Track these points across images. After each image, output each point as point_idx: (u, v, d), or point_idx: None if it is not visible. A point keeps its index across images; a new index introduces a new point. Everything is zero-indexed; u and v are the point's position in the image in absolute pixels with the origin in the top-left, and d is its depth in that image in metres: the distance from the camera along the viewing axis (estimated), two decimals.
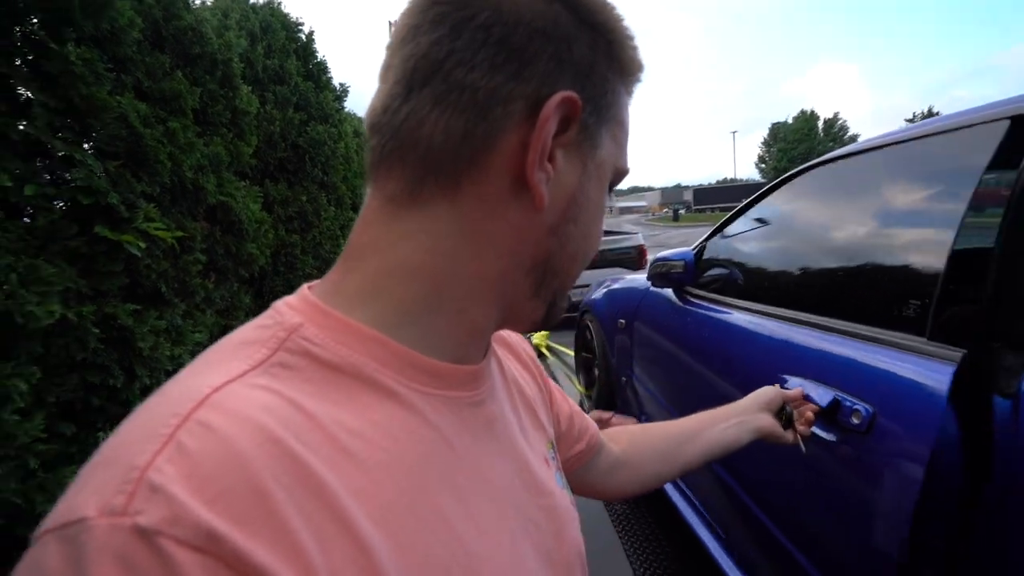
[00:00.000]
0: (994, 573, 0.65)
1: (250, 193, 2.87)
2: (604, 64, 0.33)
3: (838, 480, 0.86)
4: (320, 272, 3.44)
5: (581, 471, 0.57)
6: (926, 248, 0.89)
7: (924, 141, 1.01)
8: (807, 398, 0.79)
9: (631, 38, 0.34)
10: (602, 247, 4.80)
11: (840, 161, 1.26)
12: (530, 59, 0.30)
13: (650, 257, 1.98)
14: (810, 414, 0.75)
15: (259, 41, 3.75)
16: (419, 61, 0.30)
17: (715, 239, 1.73)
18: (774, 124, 55.01)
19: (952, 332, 0.77)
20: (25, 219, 1.60)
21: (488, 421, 0.36)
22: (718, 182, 79.64)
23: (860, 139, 1.28)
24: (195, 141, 2.23)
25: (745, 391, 0.76)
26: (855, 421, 0.80)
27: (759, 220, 1.57)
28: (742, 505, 1.17)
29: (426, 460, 0.29)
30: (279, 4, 4.11)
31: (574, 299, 4.28)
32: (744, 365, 1.24)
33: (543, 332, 3.95)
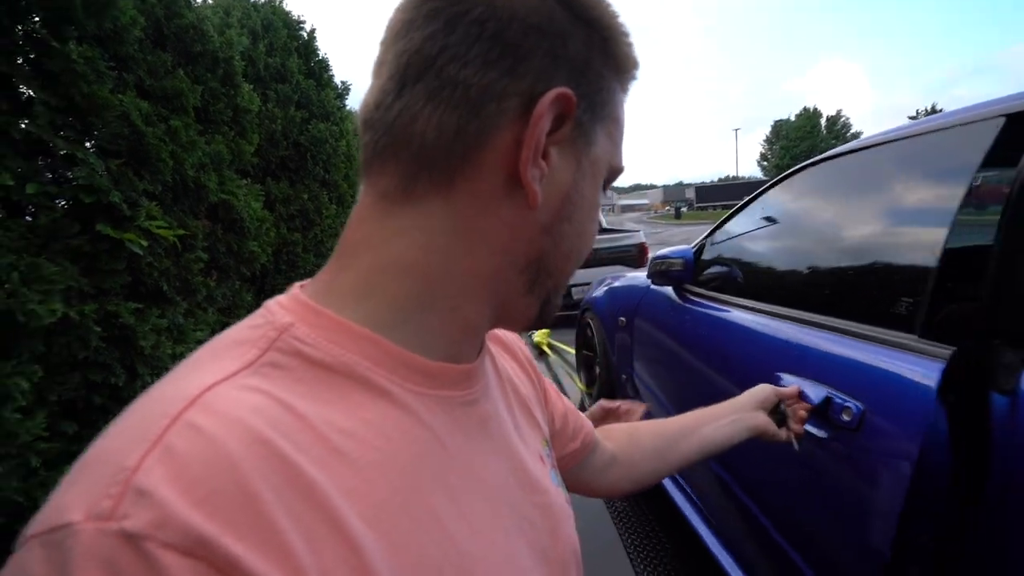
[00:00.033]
0: (993, 570, 0.65)
1: (252, 191, 2.87)
2: (599, 61, 0.33)
3: (830, 477, 0.87)
4: None
5: (576, 469, 0.57)
6: (918, 246, 0.90)
7: (917, 139, 1.02)
8: (803, 396, 0.80)
9: (626, 35, 0.34)
10: (604, 245, 4.83)
11: (835, 160, 1.27)
12: (524, 55, 0.29)
13: (651, 255, 1.98)
14: (803, 412, 0.75)
15: (261, 39, 3.75)
16: (412, 56, 0.30)
17: (714, 237, 1.73)
18: (776, 121, 54.85)
19: (943, 330, 0.77)
20: (27, 218, 1.60)
21: (482, 420, 0.35)
22: (720, 180, 79.49)
23: (862, 137, 1.29)
24: (197, 139, 2.23)
25: (743, 389, 0.77)
26: (846, 418, 0.80)
27: (756, 218, 1.57)
28: (738, 502, 1.17)
29: (419, 460, 0.29)
30: (280, 2, 4.11)
31: (575, 297, 4.29)
32: (742, 363, 1.24)
33: (544, 330, 3.95)
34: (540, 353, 3.86)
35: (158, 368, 1.92)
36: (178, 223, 2.11)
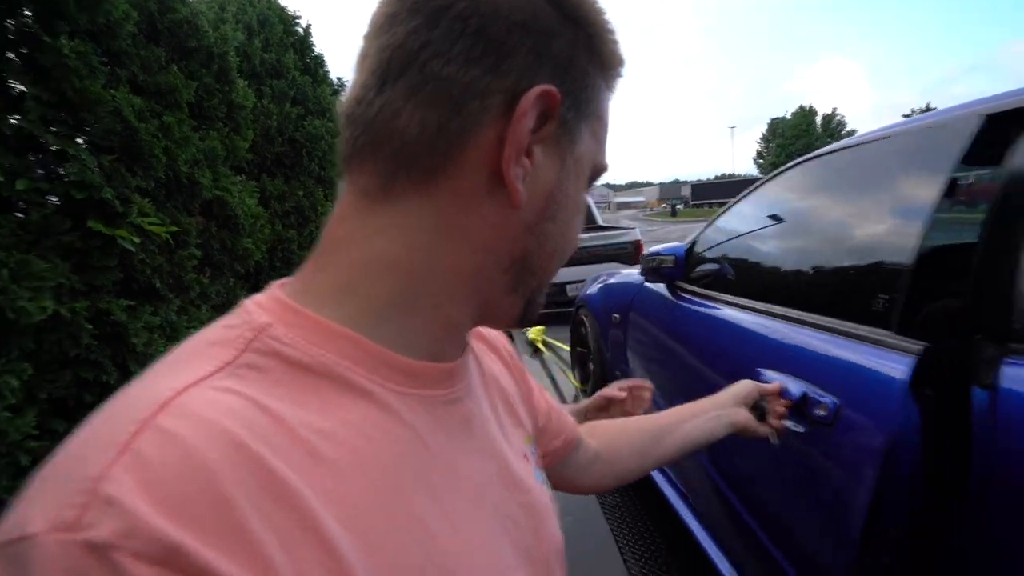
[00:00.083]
0: (975, 561, 0.66)
1: (246, 188, 2.86)
2: (584, 58, 0.32)
3: (806, 471, 0.88)
4: None
5: (559, 466, 0.57)
6: (895, 243, 0.91)
7: (897, 139, 1.03)
8: (784, 392, 0.80)
9: (612, 32, 0.34)
10: (599, 242, 4.82)
11: (818, 159, 1.29)
12: (508, 52, 0.29)
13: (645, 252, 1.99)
14: (781, 408, 0.76)
15: (256, 35, 3.74)
16: (395, 52, 0.29)
17: (706, 234, 1.74)
18: (773, 120, 54.97)
19: (926, 326, 0.78)
20: (17, 214, 1.60)
21: (465, 419, 0.35)
22: (716, 177, 79.66)
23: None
24: (190, 135, 2.22)
25: None
26: (821, 413, 0.81)
27: (745, 217, 1.59)
28: (723, 497, 1.19)
29: (400, 460, 0.29)
30: None
31: (570, 294, 4.29)
32: (729, 360, 1.26)
33: (539, 327, 3.96)
34: (535, 350, 3.87)
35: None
36: (171, 220, 2.11)
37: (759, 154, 56.50)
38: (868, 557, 0.73)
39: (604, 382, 2.38)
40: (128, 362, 1.83)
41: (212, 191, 2.43)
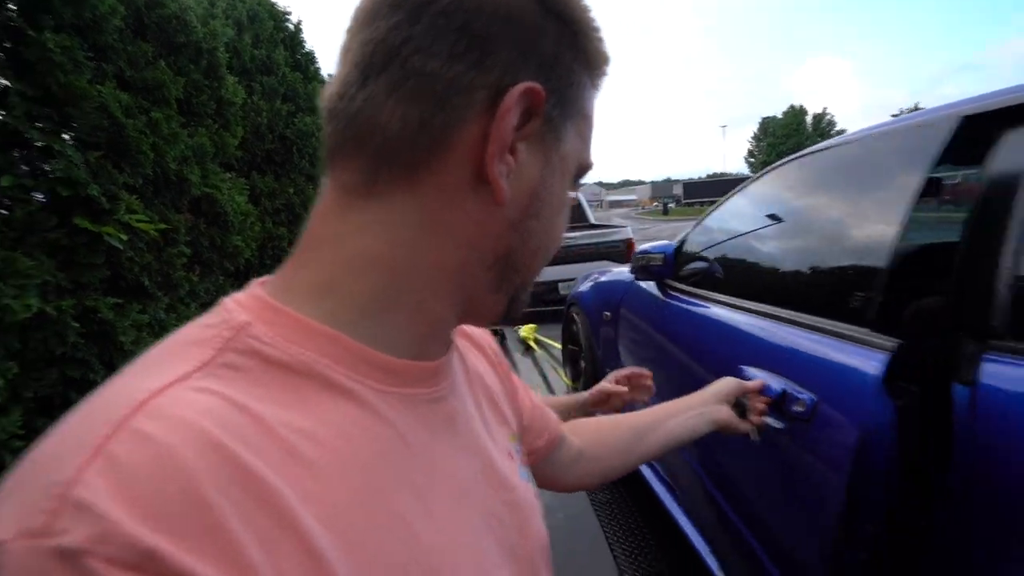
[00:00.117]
0: (958, 556, 0.67)
1: (236, 185, 2.84)
2: (569, 56, 0.32)
3: (786, 467, 0.89)
4: None
5: (542, 464, 0.57)
6: (872, 242, 0.92)
7: (876, 140, 1.05)
8: (766, 389, 0.81)
9: (597, 30, 0.33)
10: (591, 240, 4.81)
11: (802, 159, 1.31)
12: (492, 48, 0.29)
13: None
14: (761, 405, 0.77)
15: (246, 30, 3.70)
16: (377, 46, 0.29)
17: (695, 233, 1.75)
18: (764, 119, 55.36)
19: (894, 323, 0.79)
20: (2, 211, 1.58)
21: (449, 417, 0.35)
22: (708, 176, 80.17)
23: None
24: (179, 132, 2.20)
25: None
26: (799, 409, 0.82)
27: (732, 216, 1.61)
28: (709, 495, 1.20)
29: (381, 458, 0.29)
30: None
31: (562, 292, 4.28)
32: (715, 357, 1.27)
33: (531, 325, 3.97)
34: (526, 348, 3.87)
35: None
36: (160, 217, 2.09)
37: (750, 153, 56.90)
38: (846, 552, 0.74)
39: (595, 380, 2.38)
40: (115, 360, 1.81)
41: (201, 188, 2.41)
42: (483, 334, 0.50)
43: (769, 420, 0.84)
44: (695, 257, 1.68)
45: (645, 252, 1.78)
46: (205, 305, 2.68)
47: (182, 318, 2.28)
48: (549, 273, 4.91)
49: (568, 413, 0.92)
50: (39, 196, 1.65)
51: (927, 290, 0.80)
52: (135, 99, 2.01)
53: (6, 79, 1.56)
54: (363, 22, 0.30)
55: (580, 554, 1.70)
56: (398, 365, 0.31)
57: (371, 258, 0.30)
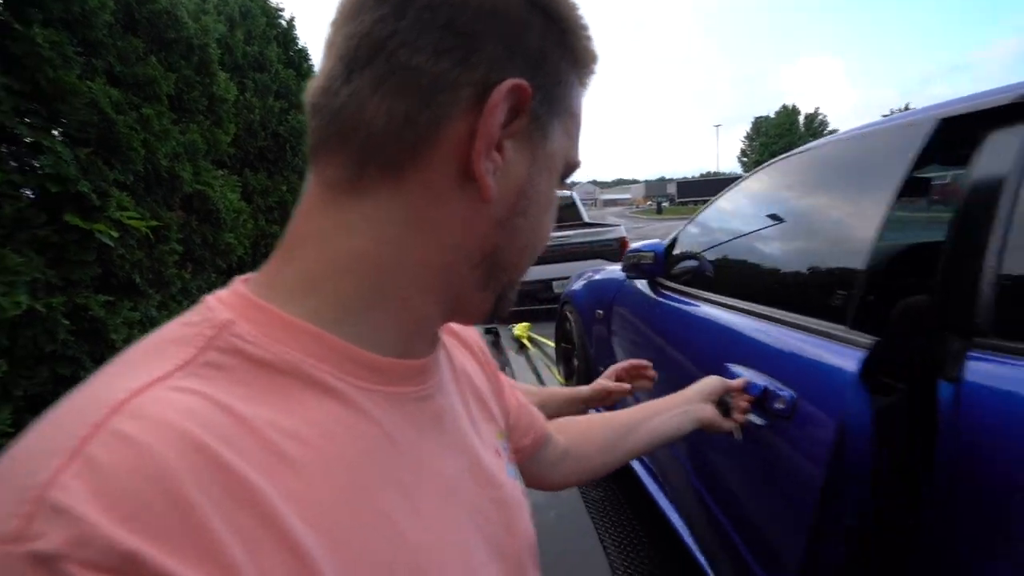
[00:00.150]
0: (944, 548, 0.68)
1: (228, 182, 2.82)
2: (557, 53, 0.32)
3: (770, 464, 0.90)
4: None
5: (528, 463, 0.57)
6: (852, 241, 0.94)
7: (856, 142, 1.07)
8: (749, 387, 0.82)
9: (585, 27, 0.33)
10: (585, 239, 4.83)
11: (788, 160, 1.33)
12: (478, 44, 0.28)
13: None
14: (744, 403, 0.78)
15: (238, 26, 3.67)
16: (362, 40, 0.28)
17: (686, 232, 1.77)
18: (757, 118, 55.69)
19: (872, 320, 0.80)
20: None
21: (436, 415, 0.35)
22: (701, 175, 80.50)
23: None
24: (170, 128, 2.18)
25: None
26: (780, 406, 0.83)
27: (722, 216, 1.63)
28: (697, 492, 1.21)
29: (367, 458, 0.28)
30: None
31: (556, 291, 4.29)
32: (703, 355, 1.28)
33: (525, 324, 3.97)
34: (520, 346, 3.88)
35: None
36: (151, 214, 2.07)
37: (743, 152, 57.18)
38: (827, 548, 0.75)
39: (589, 377, 2.40)
40: (107, 358, 1.79)
41: (193, 185, 2.39)
42: (470, 332, 0.50)
43: (752, 418, 0.85)
44: (685, 256, 1.70)
45: (636, 251, 1.79)
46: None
47: (174, 315, 2.25)
48: (543, 272, 4.92)
49: (567, 406, 0.92)
50: (28, 192, 1.63)
51: (904, 288, 0.82)
52: (125, 95, 1.99)
53: None
54: (348, 15, 0.30)
55: (572, 552, 1.70)
56: (384, 363, 0.31)
57: (356, 256, 0.30)
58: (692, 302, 1.44)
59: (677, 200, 51.93)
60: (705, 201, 1.84)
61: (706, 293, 1.40)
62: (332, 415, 0.28)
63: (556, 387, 0.99)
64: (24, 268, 1.45)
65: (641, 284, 1.83)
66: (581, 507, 1.96)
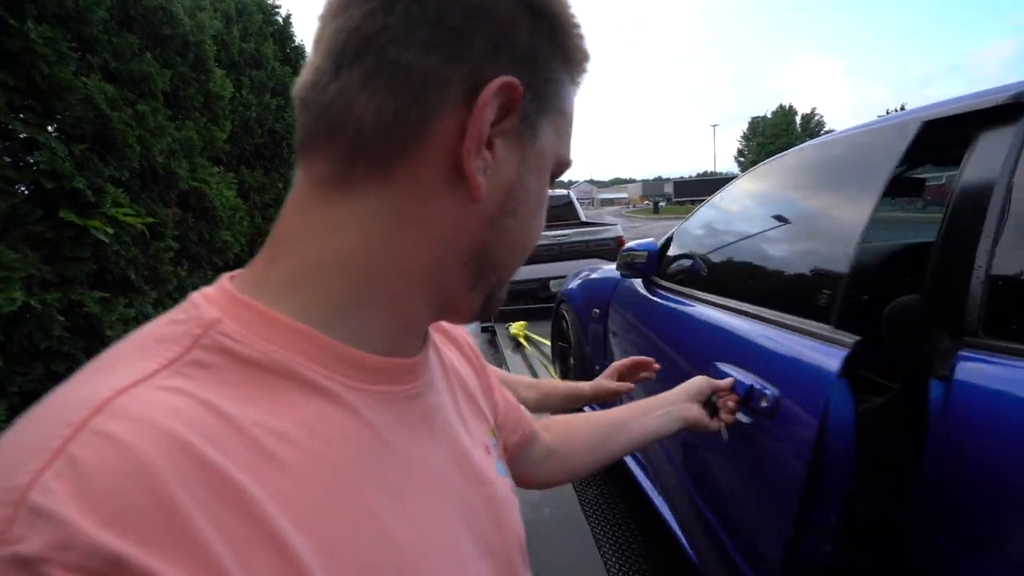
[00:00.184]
0: (933, 546, 0.69)
1: (224, 179, 2.82)
2: (547, 51, 0.31)
3: (755, 463, 0.91)
4: None
5: (514, 462, 0.56)
6: (837, 241, 0.95)
7: (842, 144, 1.09)
8: (736, 387, 0.83)
9: (576, 26, 0.33)
10: (582, 238, 4.80)
11: (777, 161, 1.36)
12: (467, 41, 0.28)
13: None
14: (731, 403, 0.78)
15: (234, 23, 3.66)
16: (350, 35, 0.28)
17: (680, 231, 1.78)
18: (753, 118, 55.87)
19: (855, 319, 0.81)
20: None
21: (426, 414, 0.35)
22: (698, 175, 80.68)
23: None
24: (166, 125, 2.18)
25: None
26: (764, 405, 0.84)
27: (715, 215, 1.65)
28: (687, 491, 1.22)
29: (357, 457, 0.28)
30: None
31: (552, 289, 4.28)
32: (694, 354, 1.29)
33: (521, 322, 3.98)
34: (517, 345, 3.89)
35: None
36: (147, 211, 2.07)
37: (740, 152, 57.34)
38: (809, 546, 0.76)
39: (584, 376, 2.41)
40: None
41: (189, 182, 2.39)
42: (459, 329, 0.50)
43: (738, 416, 0.86)
44: (679, 255, 1.71)
45: (630, 250, 1.80)
46: None
47: None
48: (540, 270, 4.92)
49: (567, 403, 0.92)
50: (23, 188, 1.63)
51: (888, 288, 0.82)
52: (121, 91, 1.99)
53: None
54: (336, 9, 0.29)
55: (567, 551, 1.71)
56: (373, 362, 0.30)
57: (344, 253, 0.29)
58: (684, 301, 1.45)
59: (674, 200, 52.04)
60: (702, 201, 1.86)
61: (698, 292, 1.41)
62: (321, 415, 0.27)
63: (556, 380, 0.98)
64: (19, 264, 1.45)
65: (636, 283, 1.83)
66: (576, 504, 1.97)
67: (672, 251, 1.76)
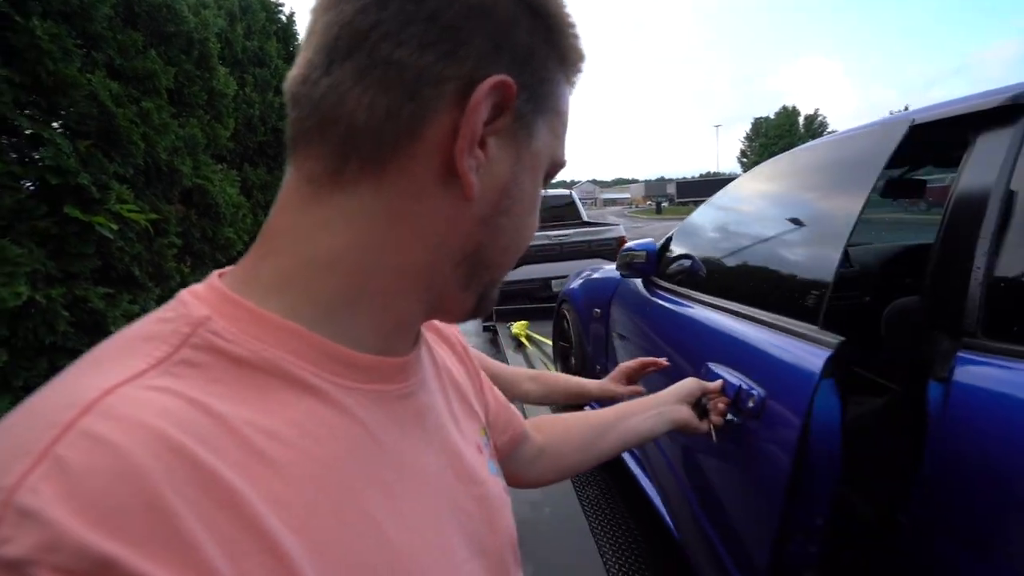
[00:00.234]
0: (937, 544, 0.69)
1: (227, 177, 2.82)
2: (543, 51, 0.31)
3: (743, 463, 0.91)
4: None
5: (504, 461, 0.55)
6: (826, 243, 0.96)
7: (833, 146, 1.11)
8: (726, 389, 0.83)
9: (572, 26, 0.33)
10: (584, 238, 4.80)
11: (772, 163, 1.38)
12: (464, 39, 0.28)
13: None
14: (722, 405, 0.78)
15: (238, 21, 3.67)
16: (343, 30, 0.27)
17: (678, 231, 1.79)
18: (756, 119, 55.69)
19: (841, 320, 0.81)
20: None
21: (418, 413, 0.34)
22: (701, 176, 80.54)
23: None
24: (170, 122, 2.19)
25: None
26: (750, 405, 0.85)
27: (713, 216, 1.66)
28: (683, 492, 1.22)
29: (349, 457, 0.28)
30: None
31: (554, 289, 4.28)
32: (688, 354, 1.30)
33: (523, 322, 3.98)
34: (518, 344, 3.89)
35: None
36: (151, 207, 2.07)
37: (743, 153, 57.20)
38: (795, 546, 0.76)
39: (585, 376, 2.41)
40: None
41: (192, 179, 2.40)
42: (451, 327, 0.49)
43: (728, 417, 0.86)
44: (676, 256, 1.72)
45: (629, 250, 1.81)
46: None
47: None
48: (542, 270, 4.92)
49: (573, 400, 0.93)
50: (28, 184, 1.64)
51: (876, 288, 0.83)
52: (125, 88, 1.99)
53: None
54: (328, 3, 0.29)
55: (567, 550, 1.71)
56: (365, 361, 0.30)
57: (336, 252, 0.29)
58: (681, 301, 1.46)
59: (676, 200, 51.94)
60: (704, 202, 1.86)
61: (695, 293, 1.42)
62: (313, 414, 0.27)
63: (561, 376, 0.98)
64: (24, 259, 1.46)
65: (636, 283, 1.84)
66: (576, 503, 1.97)
67: (670, 251, 1.76)
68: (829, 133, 1.41)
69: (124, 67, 2.05)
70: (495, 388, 0.55)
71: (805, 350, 0.82)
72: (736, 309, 1.13)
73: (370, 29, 0.27)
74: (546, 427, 0.66)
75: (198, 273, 2.63)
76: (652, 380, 0.97)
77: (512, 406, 0.58)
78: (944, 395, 0.66)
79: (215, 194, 2.58)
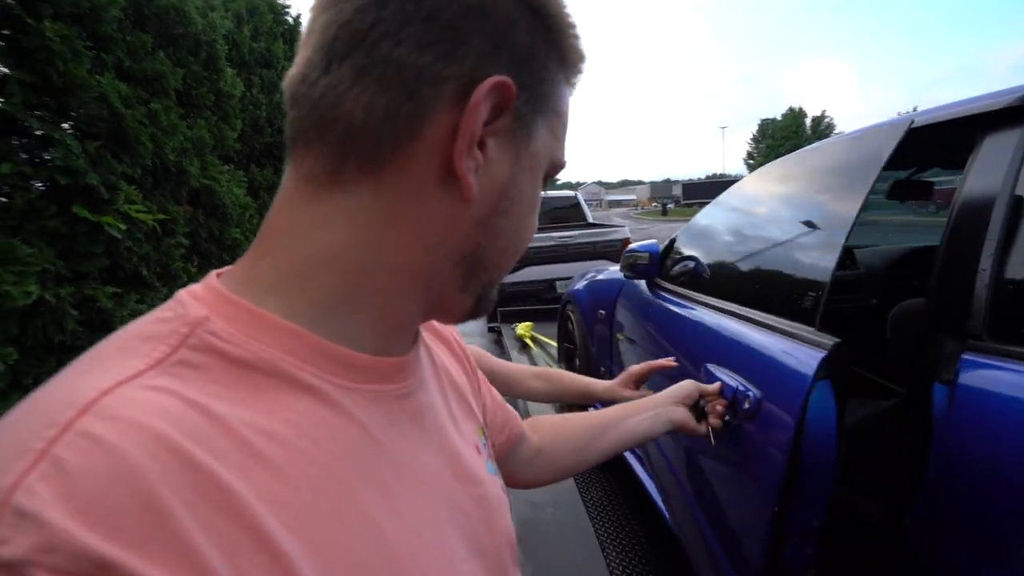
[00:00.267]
0: (942, 545, 0.69)
1: (234, 177, 2.85)
2: (543, 51, 0.31)
3: (739, 465, 0.91)
4: None
5: (501, 461, 0.56)
6: (824, 245, 0.96)
7: (832, 148, 1.11)
8: (724, 391, 0.83)
9: (572, 26, 0.33)
10: (589, 239, 4.79)
11: (774, 165, 1.38)
12: (463, 38, 0.28)
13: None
14: (720, 407, 0.78)
15: (245, 23, 3.70)
16: (341, 29, 0.27)
17: (681, 233, 1.79)
18: (763, 121, 55.49)
19: (838, 321, 0.80)
20: (1, 198, 1.58)
21: (417, 413, 0.34)
22: (707, 177, 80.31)
23: None
24: (178, 123, 2.21)
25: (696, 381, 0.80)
26: (746, 407, 0.85)
27: (716, 218, 1.66)
28: (682, 493, 1.22)
29: (348, 457, 0.28)
30: None
31: (559, 290, 4.28)
32: (689, 355, 1.30)
33: (527, 323, 3.98)
34: (523, 346, 3.89)
35: None
36: (158, 208, 2.09)
37: (749, 155, 56.98)
38: (791, 548, 0.76)
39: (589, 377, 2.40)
40: None
41: (200, 180, 2.41)
42: (449, 328, 0.49)
43: (725, 418, 0.86)
44: (679, 257, 1.72)
45: (633, 251, 1.81)
46: None
47: None
48: (547, 271, 4.92)
49: (579, 398, 0.93)
50: (38, 184, 1.66)
51: (872, 289, 0.82)
52: (134, 90, 2.02)
53: (5, 67, 1.56)
54: (327, 1, 0.29)
55: (570, 551, 1.71)
56: (363, 361, 0.30)
57: (334, 252, 0.29)
58: (683, 303, 1.46)
59: (682, 202, 51.81)
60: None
61: (697, 294, 1.42)
62: (312, 414, 0.27)
63: (567, 374, 0.99)
64: (34, 258, 1.48)
65: (640, 284, 1.84)
66: (579, 504, 1.97)
67: (673, 253, 1.76)
68: (836, 134, 1.41)
69: (133, 69, 2.07)
70: (493, 388, 0.55)
71: (800, 352, 0.82)
72: (735, 311, 1.13)
73: (369, 28, 0.27)
74: (543, 427, 0.66)
75: (205, 273, 2.64)
76: (654, 381, 0.97)
77: (509, 406, 0.58)
78: (949, 397, 0.66)
79: (222, 195, 2.60)
